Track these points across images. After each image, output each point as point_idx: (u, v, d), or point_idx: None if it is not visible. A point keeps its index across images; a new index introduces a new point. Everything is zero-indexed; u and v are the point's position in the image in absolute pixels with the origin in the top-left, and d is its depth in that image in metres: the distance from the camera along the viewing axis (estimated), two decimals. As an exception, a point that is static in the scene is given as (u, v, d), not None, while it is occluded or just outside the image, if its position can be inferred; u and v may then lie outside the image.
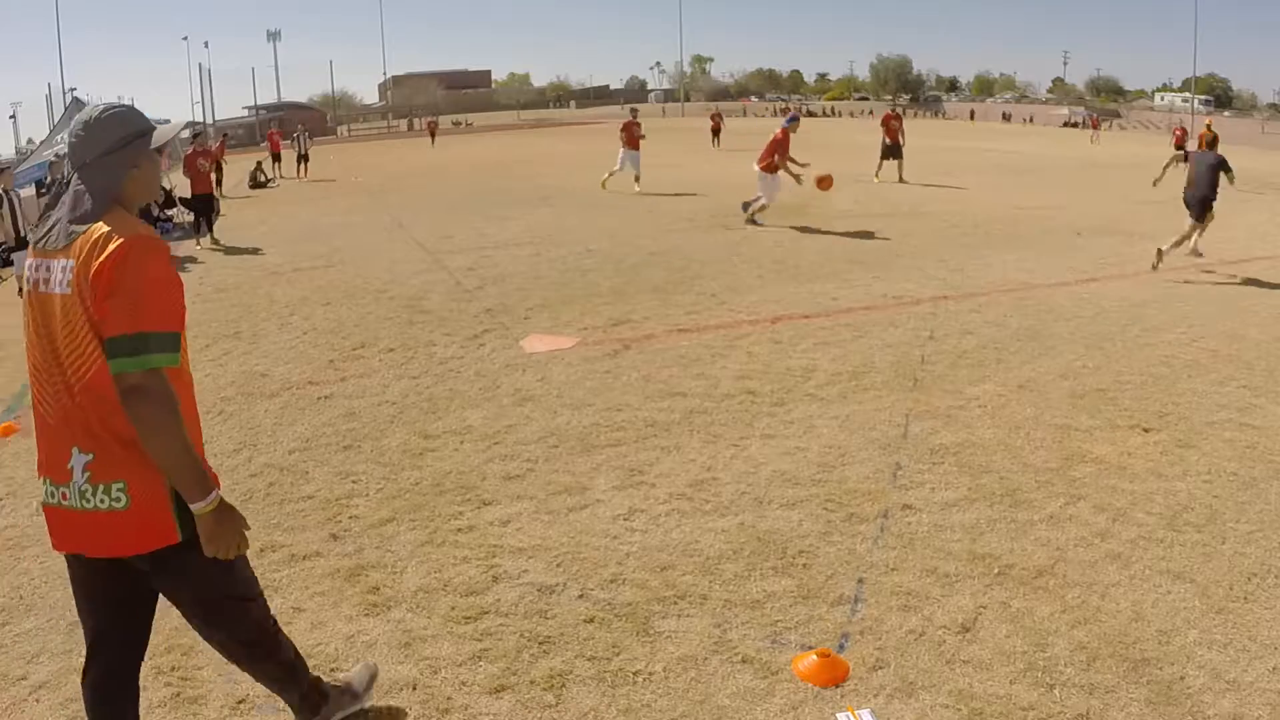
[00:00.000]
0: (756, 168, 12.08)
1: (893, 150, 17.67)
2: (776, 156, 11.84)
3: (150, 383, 1.89)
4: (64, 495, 2.04)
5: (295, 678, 2.44)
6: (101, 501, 1.99)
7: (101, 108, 2.09)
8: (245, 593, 2.23)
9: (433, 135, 43.67)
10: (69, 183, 2.08)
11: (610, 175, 16.88)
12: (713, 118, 32.81)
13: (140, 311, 1.90)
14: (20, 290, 9.77)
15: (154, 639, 2.84)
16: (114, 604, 2.17)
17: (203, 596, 2.17)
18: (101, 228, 1.96)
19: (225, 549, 2.04)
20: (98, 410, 1.97)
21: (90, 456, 1.99)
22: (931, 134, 38.35)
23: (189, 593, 2.16)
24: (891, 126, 17.78)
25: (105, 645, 2.18)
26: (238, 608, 2.22)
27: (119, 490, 1.99)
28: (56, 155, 15.15)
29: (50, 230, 2.05)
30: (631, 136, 16.81)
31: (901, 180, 17.24)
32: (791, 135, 12.14)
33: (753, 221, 11.93)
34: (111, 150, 2.03)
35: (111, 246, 1.91)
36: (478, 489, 4.13)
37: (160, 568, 2.08)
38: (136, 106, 2.19)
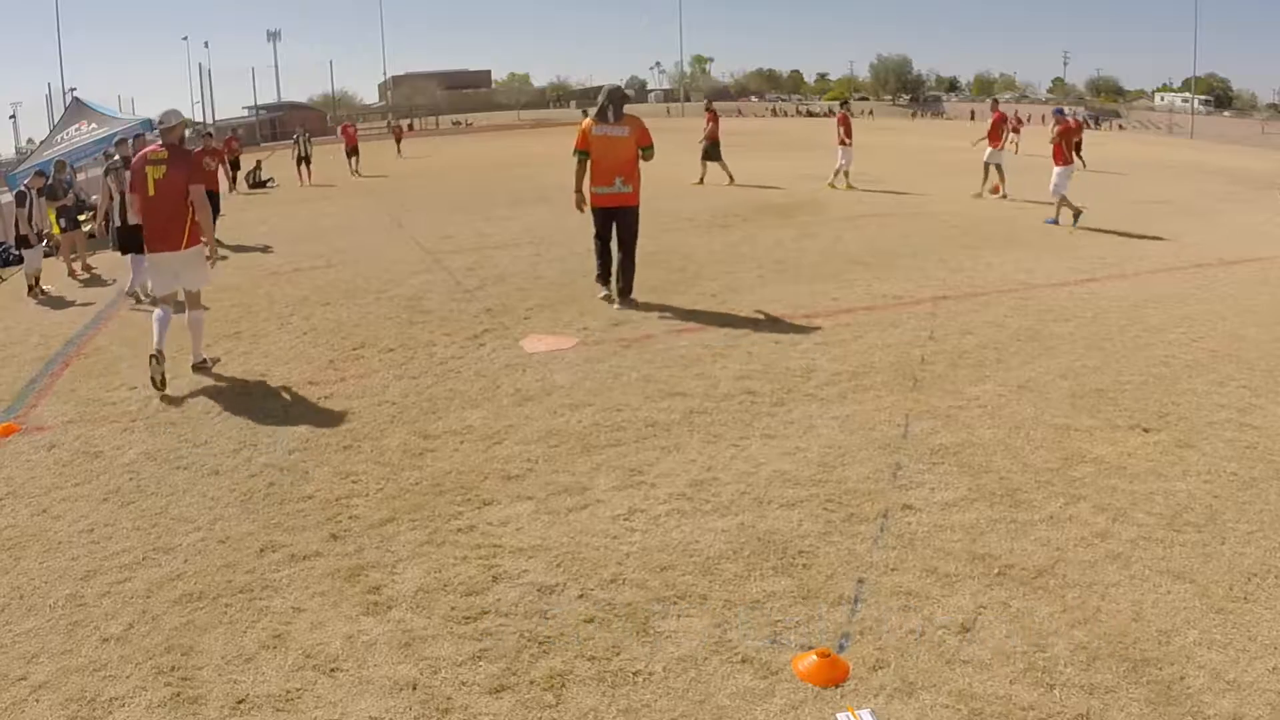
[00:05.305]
0: (838, 145, 16.70)
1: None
2: (843, 130, 16.51)
3: (652, 154, 7.68)
4: (610, 188, 7.49)
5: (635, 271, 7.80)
6: (624, 189, 7.51)
7: (616, 85, 7.85)
8: (638, 228, 7.75)
9: (398, 141, 35.41)
10: (608, 105, 7.52)
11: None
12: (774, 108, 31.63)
13: (650, 139, 7.64)
14: (29, 289, 9.76)
15: (153, 639, 3.06)
16: (610, 228, 7.66)
17: (633, 227, 7.63)
18: (633, 119, 7.60)
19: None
20: (627, 168, 7.53)
21: (623, 177, 7.49)
22: (932, 134, 38.33)
23: (631, 224, 7.60)
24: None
25: (608, 242, 7.73)
26: (637, 232, 7.71)
27: (632, 187, 7.55)
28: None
29: (605, 118, 7.47)
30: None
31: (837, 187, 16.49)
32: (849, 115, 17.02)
33: (834, 186, 16.23)
34: (624, 100, 7.66)
35: (643, 123, 7.65)
36: (478, 489, 4.13)
37: (628, 213, 7.58)
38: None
